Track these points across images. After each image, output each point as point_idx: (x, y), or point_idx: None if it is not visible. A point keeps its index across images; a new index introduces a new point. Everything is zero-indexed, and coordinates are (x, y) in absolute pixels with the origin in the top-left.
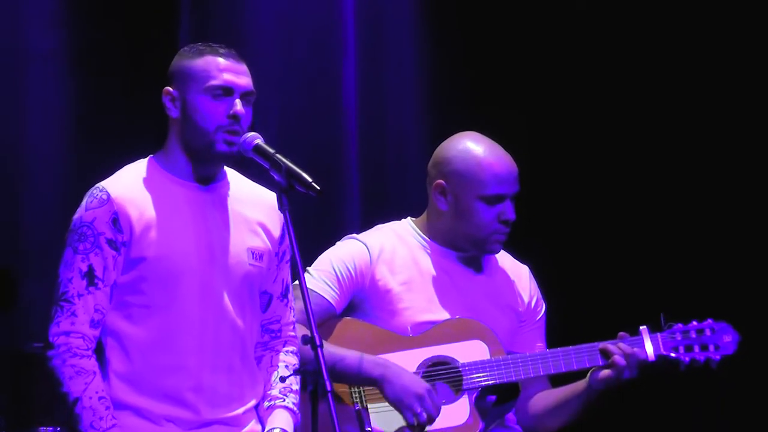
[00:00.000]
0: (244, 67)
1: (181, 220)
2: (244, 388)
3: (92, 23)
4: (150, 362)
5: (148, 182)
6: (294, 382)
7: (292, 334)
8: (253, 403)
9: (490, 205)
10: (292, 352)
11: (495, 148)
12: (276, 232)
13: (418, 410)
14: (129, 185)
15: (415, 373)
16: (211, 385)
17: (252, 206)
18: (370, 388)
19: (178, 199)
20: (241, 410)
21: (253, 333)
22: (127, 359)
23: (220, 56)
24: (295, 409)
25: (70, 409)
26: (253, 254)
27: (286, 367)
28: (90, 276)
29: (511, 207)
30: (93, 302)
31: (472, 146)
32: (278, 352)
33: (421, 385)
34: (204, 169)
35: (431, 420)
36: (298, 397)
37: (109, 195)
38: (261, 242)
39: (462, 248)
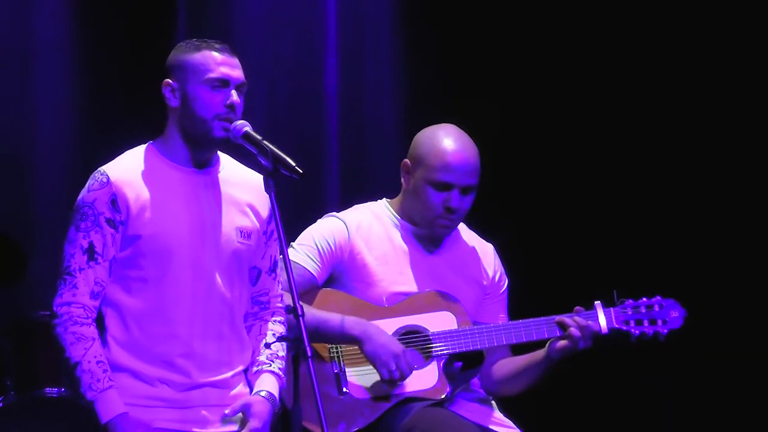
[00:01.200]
0: (237, 61)
1: (175, 201)
2: (233, 354)
3: (97, 18)
4: (145, 330)
5: (146, 166)
6: (281, 349)
7: (280, 305)
8: (241, 368)
9: (437, 191)
10: (279, 321)
11: (460, 140)
12: (264, 212)
13: (393, 367)
14: (128, 169)
15: None
16: (202, 352)
17: (242, 189)
18: (349, 351)
19: (173, 181)
20: (229, 374)
21: (242, 304)
22: (124, 327)
23: (217, 51)
24: (281, 373)
25: (71, 372)
26: (241, 233)
27: (273, 335)
28: (90, 252)
29: (457, 197)
30: (93, 276)
31: (440, 134)
32: (266, 321)
33: (396, 346)
34: (200, 155)
35: (403, 377)
36: (284, 362)
37: (108, 178)
38: (249, 222)
39: (420, 226)
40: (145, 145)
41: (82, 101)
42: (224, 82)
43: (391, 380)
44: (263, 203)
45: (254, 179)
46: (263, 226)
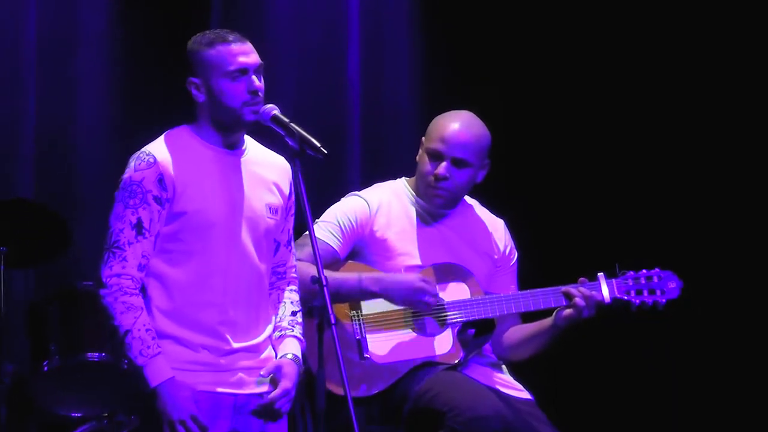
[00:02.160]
0: (249, 46)
1: (213, 180)
2: (261, 320)
3: (135, 10)
4: (187, 299)
5: (185, 148)
6: (300, 316)
7: (294, 275)
8: (267, 333)
9: (431, 160)
10: (294, 290)
11: (463, 120)
12: (286, 189)
13: (427, 300)
14: (171, 150)
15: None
16: (236, 319)
17: (267, 168)
18: (370, 318)
19: (210, 161)
20: (260, 339)
21: (269, 274)
22: (168, 297)
23: (230, 42)
24: (301, 337)
25: (121, 340)
26: (270, 209)
27: (291, 303)
28: (139, 227)
29: (447, 166)
30: (141, 249)
31: (449, 114)
32: (283, 290)
33: (415, 280)
34: (231, 137)
35: (438, 301)
36: (302, 327)
37: (155, 158)
38: (276, 199)
39: (422, 198)
40: (182, 127)
41: (121, 87)
42: (243, 71)
43: (431, 308)
44: (285, 181)
45: (278, 160)
46: (285, 202)
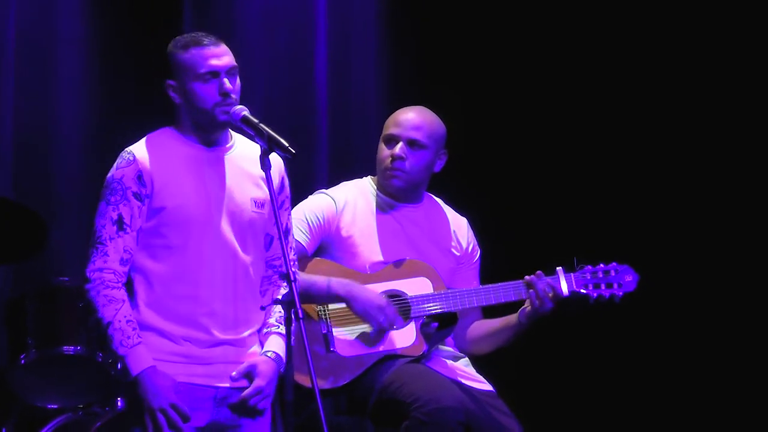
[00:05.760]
0: (223, 48)
1: (193, 175)
2: (249, 313)
3: (111, 15)
4: (170, 292)
5: (165, 146)
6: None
7: (293, 269)
8: (256, 327)
9: (386, 145)
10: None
11: (415, 107)
12: (275, 184)
13: (381, 319)
14: (151, 148)
15: None
16: (222, 311)
17: (255, 163)
18: (336, 313)
19: (190, 158)
20: (246, 333)
21: (257, 267)
22: (151, 290)
23: (203, 46)
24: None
25: (103, 331)
26: (255, 203)
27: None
28: (120, 223)
29: (401, 146)
30: (122, 244)
31: (404, 107)
32: (279, 286)
33: (381, 299)
34: (210, 135)
35: (391, 326)
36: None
37: (135, 156)
38: (262, 193)
39: (381, 187)
40: (164, 128)
41: (98, 90)
42: (214, 74)
43: (380, 330)
44: (275, 176)
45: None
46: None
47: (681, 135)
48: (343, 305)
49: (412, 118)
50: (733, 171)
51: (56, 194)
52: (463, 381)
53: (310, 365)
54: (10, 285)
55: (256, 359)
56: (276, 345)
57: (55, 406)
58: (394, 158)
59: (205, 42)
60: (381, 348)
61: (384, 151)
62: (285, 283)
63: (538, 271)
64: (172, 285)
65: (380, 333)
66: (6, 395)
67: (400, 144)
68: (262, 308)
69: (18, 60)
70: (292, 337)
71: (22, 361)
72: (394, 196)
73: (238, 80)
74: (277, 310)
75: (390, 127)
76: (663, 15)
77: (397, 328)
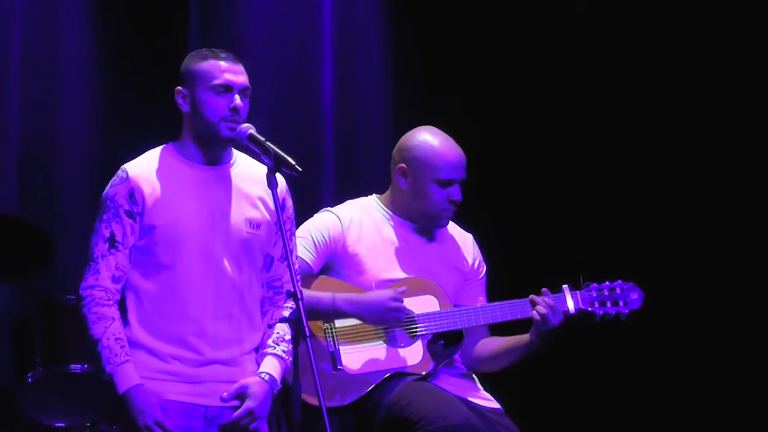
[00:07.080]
0: (241, 68)
1: (186, 194)
2: (243, 333)
3: (116, 32)
4: (159, 310)
5: (161, 163)
6: (287, 332)
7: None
8: (252, 347)
9: (442, 188)
10: (290, 307)
11: (449, 140)
12: (274, 205)
13: (398, 315)
14: (145, 166)
15: None
16: (213, 331)
17: (254, 183)
18: (342, 331)
19: (186, 177)
20: (240, 353)
21: (252, 288)
22: (142, 308)
23: (222, 59)
24: (285, 356)
25: (94, 348)
26: (250, 223)
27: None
28: (112, 240)
29: (459, 190)
30: (114, 262)
31: (430, 138)
32: (280, 307)
33: (386, 301)
34: (211, 153)
35: (409, 316)
36: (289, 345)
37: (128, 174)
38: (259, 214)
39: (417, 221)
40: (166, 145)
41: (102, 106)
42: (228, 88)
43: (401, 325)
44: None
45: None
46: (274, 217)
47: (686, 152)
48: (350, 322)
49: (462, 157)
50: (738, 189)
51: (61, 211)
52: (471, 399)
53: (317, 383)
54: (16, 302)
55: (248, 380)
56: (271, 366)
57: (63, 425)
58: (456, 203)
59: (223, 56)
60: (388, 366)
61: (438, 194)
62: (289, 303)
63: (544, 289)
64: (162, 303)
65: (389, 348)
66: (13, 413)
67: (456, 187)
68: (270, 326)
69: (23, 77)
70: (298, 356)
71: (30, 380)
72: (414, 219)
73: (248, 102)
74: (276, 331)
75: (446, 171)
76: (664, 34)
77: (404, 347)
